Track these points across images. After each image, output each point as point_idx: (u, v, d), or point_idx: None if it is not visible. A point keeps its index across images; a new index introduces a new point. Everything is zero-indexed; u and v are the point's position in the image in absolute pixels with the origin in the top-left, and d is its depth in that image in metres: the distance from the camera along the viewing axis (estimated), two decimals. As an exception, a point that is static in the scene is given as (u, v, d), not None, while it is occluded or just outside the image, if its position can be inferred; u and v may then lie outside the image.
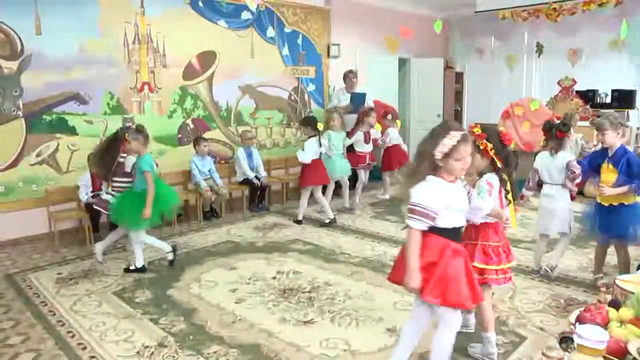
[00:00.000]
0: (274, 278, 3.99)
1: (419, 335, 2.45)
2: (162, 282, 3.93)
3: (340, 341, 2.94)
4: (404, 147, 6.99)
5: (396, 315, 3.27)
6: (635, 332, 2.37)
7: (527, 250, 4.46)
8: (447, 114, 9.49)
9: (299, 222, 5.69)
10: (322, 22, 7.60)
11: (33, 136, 5.04)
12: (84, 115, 5.34)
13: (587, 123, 6.90)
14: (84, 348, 2.93)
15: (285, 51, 7.17)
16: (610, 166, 3.38)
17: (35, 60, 4.95)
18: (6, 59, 4.82)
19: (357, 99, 6.67)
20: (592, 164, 3.60)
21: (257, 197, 6.34)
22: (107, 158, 4.22)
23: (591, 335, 2.20)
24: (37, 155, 5.09)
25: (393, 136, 6.79)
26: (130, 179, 4.22)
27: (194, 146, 5.88)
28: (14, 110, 4.90)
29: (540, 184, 3.86)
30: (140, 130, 4.09)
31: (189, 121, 6.25)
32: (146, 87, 5.81)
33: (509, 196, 2.64)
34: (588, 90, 7.89)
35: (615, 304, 2.67)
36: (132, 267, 4.14)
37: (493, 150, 2.53)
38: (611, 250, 3.68)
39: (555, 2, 7.35)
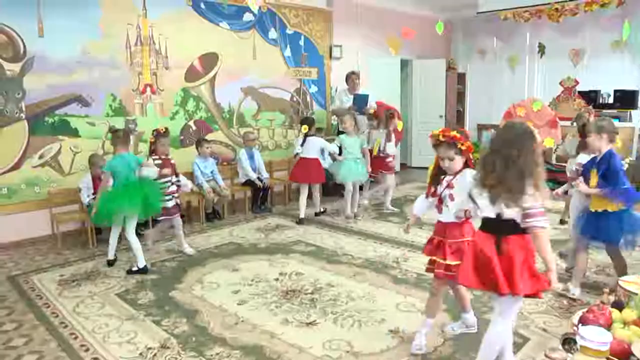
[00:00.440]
0: (277, 279, 3.98)
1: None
2: (165, 284, 3.93)
3: (343, 342, 2.94)
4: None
5: (398, 316, 3.27)
6: (639, 333, 2.36)
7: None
8: (450, 115, 9.50)
9: (300, 221, 5.69)
10: (324, 24, 7.61)
11: (35, 138, 5.05)
12: (87, 117, 5.35)
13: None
14: (87, 350, 2.93)
15: (288, 53, 7.18)
16: (595, 170, 3.38)
17: (37, 62, 4.97)
18: (9, 61, 4.84)
19: (360, 101, 6.67)
20: (588, 168, 3.61)
21: (259, 198, 6.33)
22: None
23: (594, 337, 2.19)
24: (40, 157, 5.10)
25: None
26: None
27: (197, 148, 5.89)
28: (16, 112, 4.92)
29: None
30: (114, 131, 4.37)
31: (191, 123, 6.26)
32: (148, 89, 5.82)
33: None
34: (590, 91, 7.89)
35: (619, 305, 2.67)
36: (134, 269, 4.16)
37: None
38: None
39: (557, 2, 7.34)
